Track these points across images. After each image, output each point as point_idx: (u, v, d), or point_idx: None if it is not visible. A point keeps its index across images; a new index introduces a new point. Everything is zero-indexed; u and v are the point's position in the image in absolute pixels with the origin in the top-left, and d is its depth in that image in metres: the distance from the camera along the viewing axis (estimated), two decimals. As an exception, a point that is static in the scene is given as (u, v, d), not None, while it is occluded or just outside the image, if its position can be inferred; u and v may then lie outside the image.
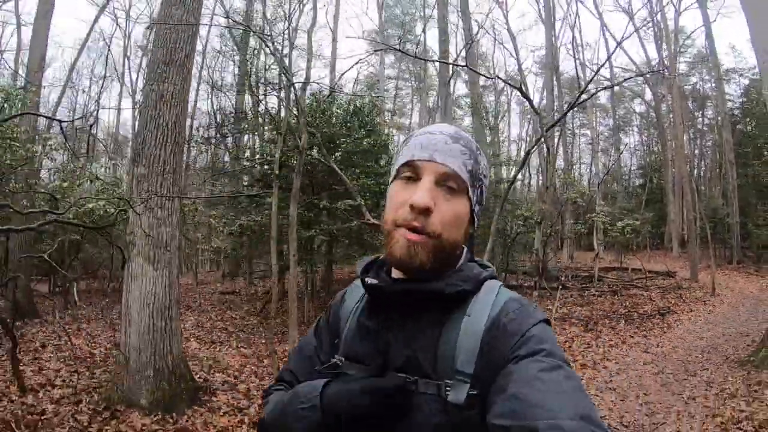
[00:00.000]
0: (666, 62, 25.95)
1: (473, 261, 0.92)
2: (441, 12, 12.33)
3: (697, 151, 33.46)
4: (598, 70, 6.63)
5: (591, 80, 7.57)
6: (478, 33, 11.52)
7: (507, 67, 32.24)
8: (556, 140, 15.40)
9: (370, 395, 0.80)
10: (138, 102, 24.82)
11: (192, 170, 17.42)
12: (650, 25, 25.99)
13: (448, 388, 0.77)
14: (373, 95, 14.47)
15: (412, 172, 0.85)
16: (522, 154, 31.65)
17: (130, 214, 4.11)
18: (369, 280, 0.88)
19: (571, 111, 25.87)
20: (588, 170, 33.86)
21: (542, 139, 7.28)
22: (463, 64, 5.57)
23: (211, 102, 22.76)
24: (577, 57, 26.68)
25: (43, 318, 8.96)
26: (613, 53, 8.27)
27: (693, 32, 27.97)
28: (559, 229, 13.51)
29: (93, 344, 6.95)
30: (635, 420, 4.25)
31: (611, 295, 11.62)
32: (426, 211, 0.80)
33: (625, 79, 15.44)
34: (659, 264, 17.41)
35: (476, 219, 0.90)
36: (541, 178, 16.71)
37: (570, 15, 27.25)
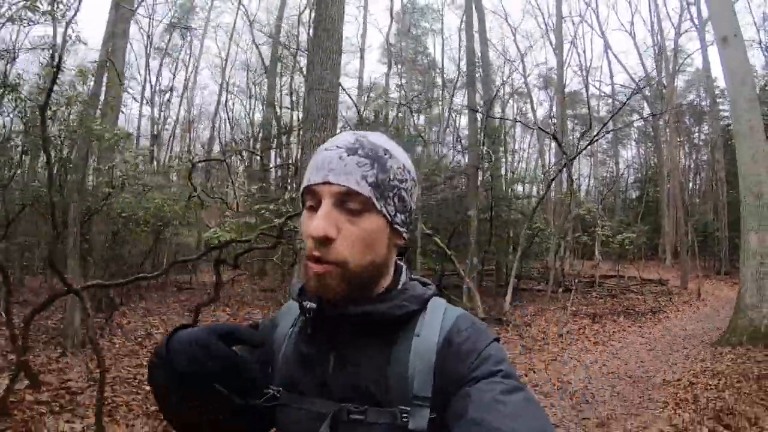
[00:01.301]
0: (665, 81, 28.78)
1: (414, 279, 0.91)
2: (469, 45, 14.58)
3: (692, 164, 36.19)
4: (614, 114, 8.96)
5: (611, 118, 9.91)
6: (500, 86, 13.77)
7: (513, 81, 34.51)
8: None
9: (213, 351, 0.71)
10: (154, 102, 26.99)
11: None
12: (651, 45, 28.67)
13: (404, 416, 0.75)
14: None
15: (311, 199, 0.81)
16: (524, 164, 34.17)
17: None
18: (308, 304, 0.84)
19: (572, 124, 28.04)
20: (586, 181, 36.45)
21: (563, 169, 9.61)
22: (490, 115, 7.82)
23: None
24: (583, 77, 29.29)
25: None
26: (626, 102, 10.48)
27: (690, 54, 30.70)
28: (568, 241, 15.88)
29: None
30: (635, 375, 6.51)
31: (611, 297, 14.00)
32: (325, 241, 0.77)
33: (628, 99, 17.63)
34: (653, 273, 19.83)
35: (402, 228, 0.86)
36: (552, 192, 19.00)
37: (577, 38, 29.60)
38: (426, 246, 11.25)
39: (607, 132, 13.65)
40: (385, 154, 0.82)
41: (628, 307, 12.38)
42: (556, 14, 24.63)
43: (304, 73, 20.30)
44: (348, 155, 0.79)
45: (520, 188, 20.92)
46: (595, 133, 10.49)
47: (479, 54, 16.26)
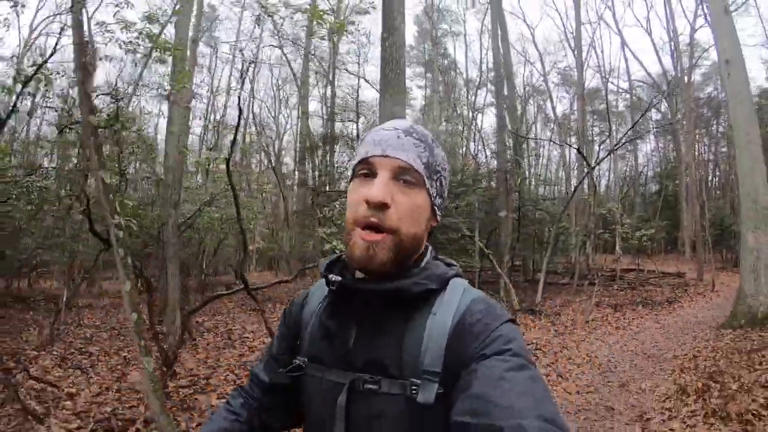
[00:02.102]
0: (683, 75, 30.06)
1: (438, 259, 0.99)
2: (496, 60, 16.18)
3: (712, 157, 37.29)
4: (639, 117, 10.57)
5: (631, 128, 11.51)
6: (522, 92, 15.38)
7: (532, 79, 35.88)
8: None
9: None
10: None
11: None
12: (667, 40, 29.91)
13: (414, 388, 0.82)
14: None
15: (367, 169, 0.90)
16: (545, 160, 35.64)
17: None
18: (333, 278, 0.92)
19: (590, 119, 29.39)
20: (606, 175, 37.77)
21: (586, 177, 11.23)
22: (524, 135, 9.46)
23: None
24: (602, 77, 30.66)
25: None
26: (643, 115, 12.06)
27: (707, 49, 31.79)
28: (591, 238, 17.52)
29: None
30: (650, 352, 8.15)
31: (630, 289, 15.62)
32: (382, 206, 0.85)
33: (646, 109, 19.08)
34: (671, 266, 21.36)
35: (438, 212, 0.97)
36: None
37: (595, 40, 30.88)
38: (466, 245, 12.93)
39: (626, 142, 15.19)
40: (433, 142, 0.94)
41: (647, 297, 13.99)
42: (575, 18, 26.12)
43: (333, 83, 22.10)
44: (405, 136, 0.90)
45: (543, 188, 22.43)
46: (616, 141, 12.19)
47: (502, 60, 17.82)
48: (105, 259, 14.76)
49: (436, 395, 0.80)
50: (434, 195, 0.93)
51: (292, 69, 24.58)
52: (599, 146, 36.89)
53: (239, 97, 5.04)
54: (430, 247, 0.99)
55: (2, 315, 10.16)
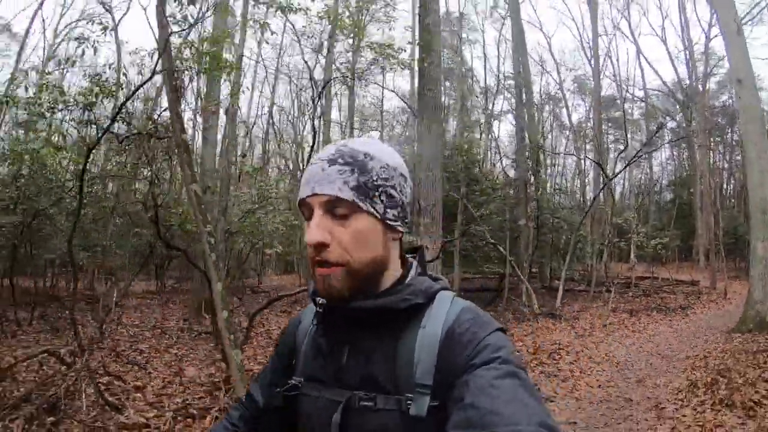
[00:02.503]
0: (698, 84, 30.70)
1: (425, 274, 1.01)
2: (517, 73, 16.99)
3: (726, 165, 37.65)
4: (657, 130, 11.36)
5: (649, 140, 12.30)
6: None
7: (549, 87, 36.50)
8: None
9: None
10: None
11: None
12: (682, 48, 30.54)
13: (409, 402, 0.84)
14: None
15: (306, 210, 0.92)
16: (560, 168, 36.32)
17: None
18: (320, 300, 0.94)
19: (606, 127, 30.01)
20: (621, 183, 38.31)
21: (605, 188, 12.02)
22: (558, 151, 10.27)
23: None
24: (618, 85, 31.36)
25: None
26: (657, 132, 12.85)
27: (722, 59, 32.29)
28: (608, 246, 18.28)
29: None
30: (664, 353, 8.90)
31: (645, 296, 16.34)
32: (321, 246, 0.88)
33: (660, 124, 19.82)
34: (686, 274, 22.02)
35: (396, 223, 0.95)
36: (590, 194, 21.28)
37: (612, 50, 31.60)
38: (489, 253, 13.74)
39: (642, 155, 15.99)
40: (365, 157, 0.91)
41: (661, 304, 14.72)
42: (592, 29, 26.89)
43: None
44: (329, 165, 0.90)
45: (558, 197, 23.18)
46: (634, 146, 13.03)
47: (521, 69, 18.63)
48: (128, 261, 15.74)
49: (428, 408, 0.82)
50: (381, 212, 0.92)
51: (312, 75, 25.41)
52: (615, 155, 37.65)
53: (313, 119, 5.82)
54: (414, 264, 1.01)
55: (44, 313, 10.80)
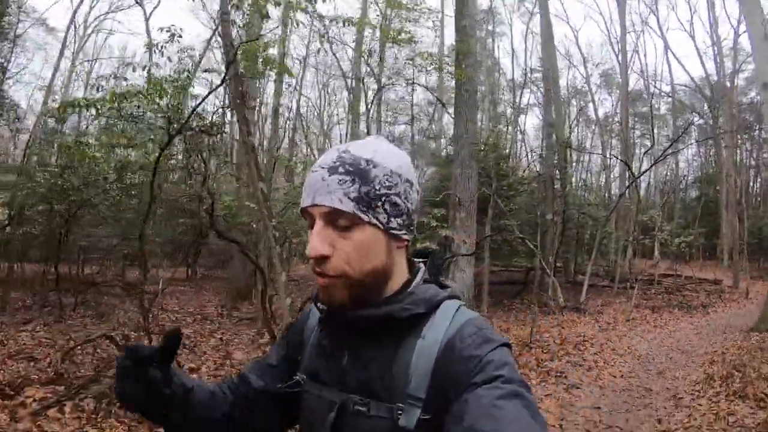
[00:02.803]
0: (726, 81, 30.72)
1: (432, 281, 0.99)
2: (546, 71, 17.47)
3: (753, 162, 37.42)
4: (683, 132, 11.86)
5: (675, 140, 12.79)
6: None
7: (575, 81, 36.62)
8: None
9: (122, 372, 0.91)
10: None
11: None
12: (710, 44, 30.55)
13: (399, 412, 0.84)
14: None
15: (308, 219, 0.92)
16: (585, 164, 36.62)
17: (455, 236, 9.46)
18: (321, 306, 0.96)
19: (632, 121, 30.17)
20: (646, 178, 38.39)
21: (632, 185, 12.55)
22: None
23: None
24: (645, 80, 31.53)
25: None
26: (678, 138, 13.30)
27: (750, 55, 31.97)
28: (633, 243, 18.80)
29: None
30: (684, 348, 9.48)
31: (668, 294, 16.84)
32: (322, 259, 0.88)
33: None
34: (709, 273, 22.39)
35: (401, 231, 0.93)
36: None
37: (639, 45, 31.69)
38: (517, 247, 14.36)
39: (668, 154, 16.46)
40: (368, 165, 0.89)
41: (683, 301, 15.24)
42: (620, 24, 27.13)
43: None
44: (329, 175, 0.88)
45: (584, 193, 23.64)
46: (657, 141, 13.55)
47: (549, 67, 19.09)
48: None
49: (418, 421, 0.82)
50: (384, 222, 0.90)
51: (360, 77, 26.08)
52: (641, 153, 37.66)
53: (368, 118, 6.45)
54: (422, 270, 1.00)
55: (84, 299, 11.33)
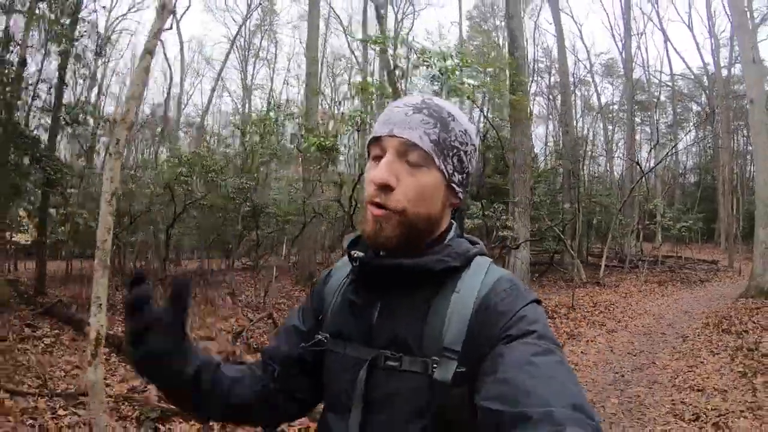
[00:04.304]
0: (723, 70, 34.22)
1: (462, 237, 1.06)
2: (562, 67, 20.86)
3: (750, 148, 40.57)
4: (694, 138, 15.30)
5: (675, 144, 16.28)
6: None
7: (578, 71, 39.99)
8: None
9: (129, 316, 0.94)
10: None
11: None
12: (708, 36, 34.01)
13: (435, 366, 0.89)
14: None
15: (377, 148, 0.97)
16: (590, 150, 40.19)
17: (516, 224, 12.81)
18: (356, 254, 1.01)
19: (632, 109, 33.69)
20: (646, 164, 41.76)
21: (642, 179, 16.07)
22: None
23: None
24: (645, 69, 35.01)
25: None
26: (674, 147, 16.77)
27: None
28: (639, 228, 22.50)
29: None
30: (686, 310, 13.01)
31: (671, 272, 20.51)
32: (386, 187, 0.93)
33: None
34: (707, 255, 26.16)
35: (459, 188, 1.01)
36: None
37: (641, 44, 35.02)
38: (546, 232, 17.87)
39: (672, 154, 20.19)
40: (449, 117, 0.98)
41: (683, 278, 18.90)
42: (623, 21, 30.53)
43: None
44: (413, 113, 0.95)
45: (594, 185, 27.25)
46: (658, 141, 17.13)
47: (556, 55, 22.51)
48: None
49: (454, 374, 0.88)
50: (450, 173, 0.98)
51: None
52: (641, 137, 40.99)
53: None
54: (455, 225, 1.07)
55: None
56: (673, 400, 6.12)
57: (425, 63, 8.55)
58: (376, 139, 0.98)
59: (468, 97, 10.05)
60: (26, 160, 12.16)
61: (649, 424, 5.42)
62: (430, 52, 8.71)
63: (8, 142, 11.42)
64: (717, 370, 7.27)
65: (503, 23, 36.00)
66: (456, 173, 0.99)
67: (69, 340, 8.78)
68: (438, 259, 0.96)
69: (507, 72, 12.67)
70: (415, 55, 9.72)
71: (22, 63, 12.26)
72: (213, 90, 33.67)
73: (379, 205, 0.94)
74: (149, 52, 4.37)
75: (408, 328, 0.94)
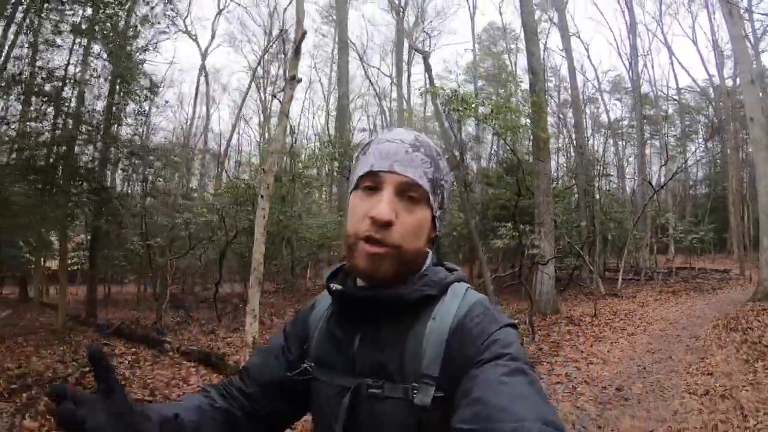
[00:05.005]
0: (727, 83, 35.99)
1: (440, 265, 1.13)
2: (574, 93, 22.66)
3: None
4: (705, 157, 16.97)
5: (685, 162, 17.96)
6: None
7: (586, 90, 41.79)
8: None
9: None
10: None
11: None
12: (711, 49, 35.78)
13: (415, 391, 0.94)
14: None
15: (372, 182, 1.02)
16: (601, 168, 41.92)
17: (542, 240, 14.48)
18: (335, 287, 1.07)
19: (642, 124, 35.43)
20: (656, 177, 43.29)
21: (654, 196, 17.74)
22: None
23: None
24: (652, 85, 36.78)
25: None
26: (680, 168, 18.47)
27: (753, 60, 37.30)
28: (653, 242, 24.16)
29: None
30: (698, 315, 14.58)
31: (684, 282, 22.12)
32: (387, 225, 0.97)
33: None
34: (720, 265, 27.76)
35: (438, 222, 1.10)
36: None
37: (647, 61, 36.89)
38: (566, 249, 19.51)
39: (682, 170, 21.96)
40: (438, 156, 1.07)
41: (696, 287, 20.51)
42: (630, 42, 32.41)
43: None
44: (413, 150, 1.03)
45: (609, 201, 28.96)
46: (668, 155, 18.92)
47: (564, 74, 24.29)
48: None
49: (433, 398, 0.93)
50: (436, 208, 1.06)
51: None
52: (651, 152, 42.59)
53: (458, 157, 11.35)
54: (430, 254, 1.14)
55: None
56: (687, 383, 7.70)
57: (469, 111, 10.26)
58: (371, 173, 1.03)
59: (499, 135, 11.75)
60: (80, 190, 13.71)
61: (669, 399, 6.99)
62: (472, 101, 10.47)
63: (68, 173, 12.97)
64: (724, 359, 8.86)
65: (513, 46, 38.50)
66: (439, 209, 1.08)
67: (150, 357, 10.21)
68: (414, 289, 1.03)
69: (528, 106, 14.30)
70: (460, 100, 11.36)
71: (80, 99, 13.96)
72: (237, 119, 35.72)
73: (375, 241, 0.99)
74: (285, 115, 6.09)
75: (388, 356, 1.00)
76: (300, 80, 6.62)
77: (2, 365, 8.77)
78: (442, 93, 11.39)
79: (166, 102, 22.53)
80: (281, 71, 34.17)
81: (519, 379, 0.84)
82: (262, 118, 37.46)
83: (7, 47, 11.91)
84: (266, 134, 32.67)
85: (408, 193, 1.01)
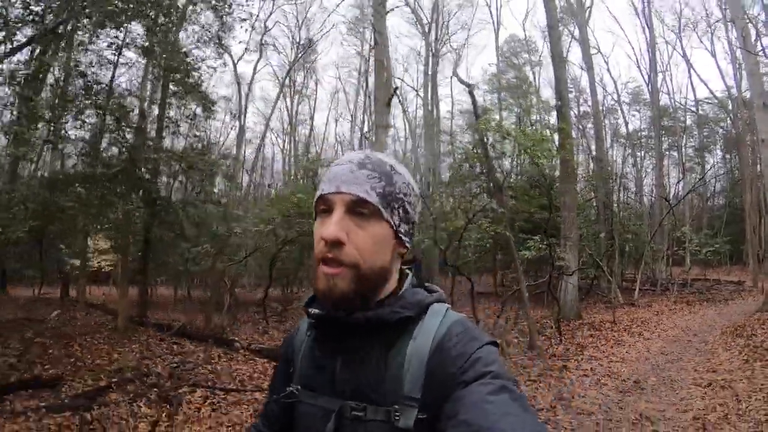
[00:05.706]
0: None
1: (420, 286, 1.15)
2: (595, 108, 24.36)
3: (777, 170, 43.25)
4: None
5: (703, 177, 19.62)
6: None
7: (606, 101, 43.32)
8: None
9: None
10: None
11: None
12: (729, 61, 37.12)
13: (397, 414, 0.96)
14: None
15: (325, 205, 1.06)
16: (618, 178, 43.29)
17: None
18: (312, 311, 1.10)
19: (660, 135, 36.91)
20: (674, 189, 44.53)
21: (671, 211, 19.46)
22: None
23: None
24: (671, 97, 38.24)
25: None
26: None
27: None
28: (668, 253, 25.86)
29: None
30: (710, 324, 16.22)
31: (698, 293, 23.77)
32: (337, 243, 1.00)
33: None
34: (735, 276, 29.32)
35: (405, 238, 1.11)
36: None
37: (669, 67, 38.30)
38: (591, 262, 21.19)
39: (700, 185, 23.74)
40: (391, 170, 1.09)
41: (710, 298, 22.18)
42: (649, 57, 33.97)
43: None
44: (358, 168, 1.05)
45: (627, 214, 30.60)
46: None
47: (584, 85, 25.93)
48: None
49: (416, 421, 0.95)
50: (397, 224, 1.07)
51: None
52: (669, 162, 43.93)
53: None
54: (410, 275, 1.16)
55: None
56: (694, 377, 9.38)
57: (506, 139, 12.05)
58: (321, 197, 1.07)
59: (537, 164, 13.45)
60: (138, 198, 15.04)
61: (678, 389, 8.70)
62: (509, 133, 12.27)
63: (131, 184, 14.51)
64: (727, 359, 10.56)
65: (533, 58, 40.18)
66: (402, 224, 1.10)
67: (222, 354, 11.53)
68: (392, 311, 1.04)
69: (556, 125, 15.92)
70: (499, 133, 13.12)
71: (142, 115, 15.59)
72: (266, 128, 37.50)
73: (331, 262, 1.02)
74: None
75: (369, 378, 1.03)
76: (391, 126, 8.34)
77: (91, 362, 9.78)
78: (485, 125, 13.04)
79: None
80: (306, 80, 36.00)
81: (504, 397, 0.88)
82: (288, 128, 39.33)
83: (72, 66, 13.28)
84: (293, 143, 34.50)
85: (357, 209, 1.04)
